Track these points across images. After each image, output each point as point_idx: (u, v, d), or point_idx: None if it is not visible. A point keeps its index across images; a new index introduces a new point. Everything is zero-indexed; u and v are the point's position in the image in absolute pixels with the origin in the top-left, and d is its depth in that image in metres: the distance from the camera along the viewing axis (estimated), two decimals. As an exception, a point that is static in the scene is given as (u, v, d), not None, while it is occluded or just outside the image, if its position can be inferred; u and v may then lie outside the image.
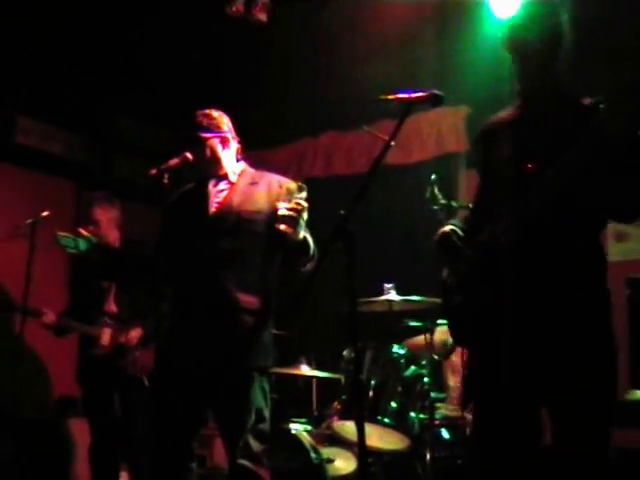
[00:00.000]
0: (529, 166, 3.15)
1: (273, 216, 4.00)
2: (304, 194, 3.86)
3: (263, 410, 4.03)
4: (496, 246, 3.29)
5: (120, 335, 5.90)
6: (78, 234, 4.31)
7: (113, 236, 6.07)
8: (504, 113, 3.81)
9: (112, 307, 6.02)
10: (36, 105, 7.77)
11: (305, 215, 3.79)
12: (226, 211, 4.12)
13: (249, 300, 4.03)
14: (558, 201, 3.11)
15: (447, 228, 3.61)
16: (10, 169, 7.75)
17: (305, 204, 3.79)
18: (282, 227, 3.76)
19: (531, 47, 3.51)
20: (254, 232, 4.05)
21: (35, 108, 7.80)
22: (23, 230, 6.32)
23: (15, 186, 7.72)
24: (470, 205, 3.88)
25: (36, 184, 7.87)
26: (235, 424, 4.02)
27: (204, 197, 4.20)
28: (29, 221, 6.28)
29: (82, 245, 4.27)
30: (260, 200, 4.13)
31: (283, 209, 3.77)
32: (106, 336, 5.92)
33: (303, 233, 3.88)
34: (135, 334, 5.91)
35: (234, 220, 4.02)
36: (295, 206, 3.76)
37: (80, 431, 6.98)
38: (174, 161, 4.13)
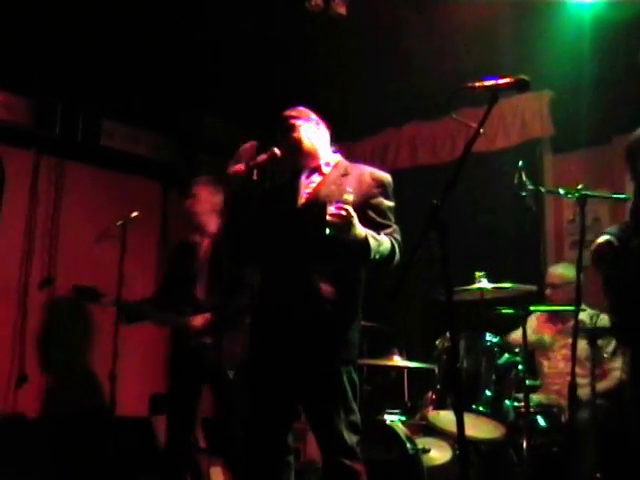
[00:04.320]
0: None
1: (362, 207, 4.04)
2: (351, 197, 3.86)
3: (352, 402, 4.01)
4: None
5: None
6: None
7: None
8: None
9: (200, 293, 6.02)
10: (120, 108, 7.87)
11: (354, 220, 3.78)
12: (314, 202, 4.11)
13: (332, 291, 4.02)
14: None
15: (602, 239, 3.73)
16: (97, 172, 7.88)
17: (350, 209, 3.78)
18: (327, 231, 3.78)
19: None
20: None
21: (119, 111, 7.90)
22: (114, 231, 6.41)
23: (102, 188, 7.86)
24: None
25: (122, 185, 8.00)
26: (323, 418, 4.02)
27: (295, 189, 4.22)
28: (119, 223, 6.36)
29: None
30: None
31: (328, 215, 3.78)
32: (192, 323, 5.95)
33: (358, 235, 3.84)
34: (200, 320, 5.88)
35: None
36: (337, 211, 3.77)
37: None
38: (262, 157, 4.13)
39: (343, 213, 3.77)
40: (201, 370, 5.83)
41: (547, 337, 6.38)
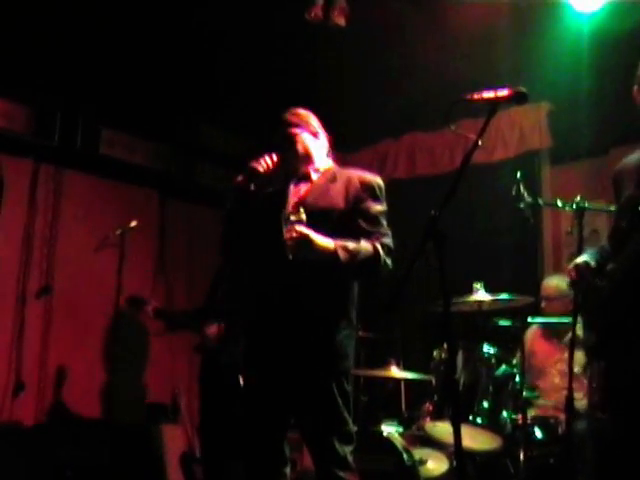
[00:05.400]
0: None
1: (350, 213, 4.03)
2: (304, 215, 3.85)
3: (343, 412, 3.96)
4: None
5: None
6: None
7: None
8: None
9: (219, 301, 6.12)
10: (119, 117, 7.88)
11: (310, 237, 3.79)
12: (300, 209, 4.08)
13: (321, 300, 3.98)
14: None
15: (580, 261, 3.87)
16: (96, 180, 7.88)
17: (301, 229, 3.80)
18: (289, 256, 3.84)
19: None
20: (326, 229, 3.92)
21: (118, 119, 7.91)
22: (112, 240, 6.43)
23: (101, 196, 7.86)
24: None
25: (121, 194, 8.01)
26: (314, 429, 4.00)
27: (284, 197, 4.19)
28: (118, 231, 6.39)
29: None
30: (336, 197, 4.08)
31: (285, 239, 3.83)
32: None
33: (324, 248, 3.84)
34: (213, 329, 6.01)
35: (306, 218, 3.88)
36: (288, 234, 3.81)
37: (171, 437, 7.06)
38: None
39: (294, 235, 3.79)
40: (221, 378, 5.94)
41: (539, 359, 6.38)
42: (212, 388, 6.09)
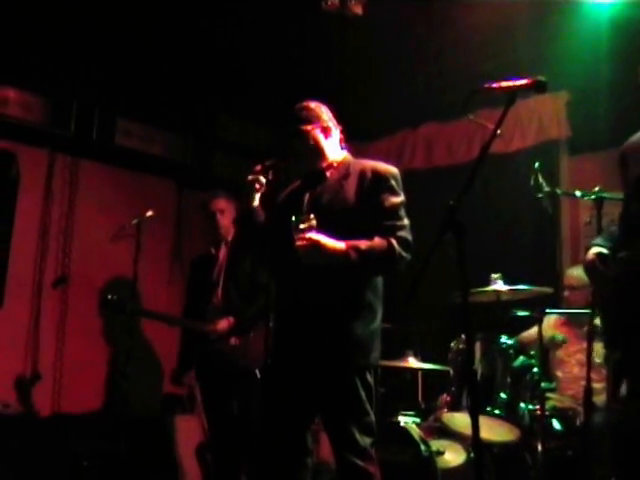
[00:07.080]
0: None
1: (365, 209, 4.00)
2: (313, 222, 3.85)
3: (366, 404, 3.96)
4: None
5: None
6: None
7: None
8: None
9: (219, 298, 6.15)
10: (135, 107, 7.87)
11: (321, 242, 3.81)
12: (314, 212, 4.00)
13: (338, 297, 3.97)
14: None
15: (593, 253, 3.85)
16: (112, 170, 7.90)
17: (311, 236, 3.82)
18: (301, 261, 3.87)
19: None
20: (342, 228, 3.92)
21: (134, 109, 7.90)
22: (129, 230, 6.43)
23: (118, 187, 7.87)
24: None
25: (138, 184, 8.01)
26: (336, 420, 3.99)
27: (300, 200, 4.18)
28: (134, 221, 6.39)
29: None
30: (350, 195, 4.04)
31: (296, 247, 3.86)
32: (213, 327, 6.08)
33: (336, 251, 3.84)
34: (223, 324, 6.05)
35: (321, 220, 3.89)
36: (300, 242, 3.83)
37: (187, 428, 7.06)
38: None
39: (305, 243, 3.80)
40: (230, 372, 5.97)
41: (559, 335, 6.35)
42: (216, 387, 6.15)
